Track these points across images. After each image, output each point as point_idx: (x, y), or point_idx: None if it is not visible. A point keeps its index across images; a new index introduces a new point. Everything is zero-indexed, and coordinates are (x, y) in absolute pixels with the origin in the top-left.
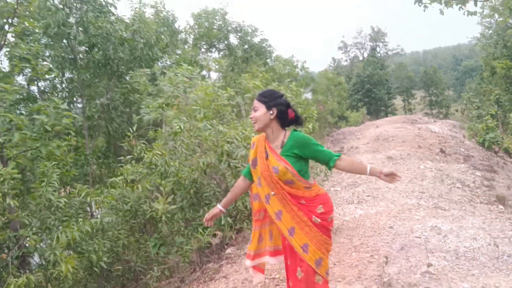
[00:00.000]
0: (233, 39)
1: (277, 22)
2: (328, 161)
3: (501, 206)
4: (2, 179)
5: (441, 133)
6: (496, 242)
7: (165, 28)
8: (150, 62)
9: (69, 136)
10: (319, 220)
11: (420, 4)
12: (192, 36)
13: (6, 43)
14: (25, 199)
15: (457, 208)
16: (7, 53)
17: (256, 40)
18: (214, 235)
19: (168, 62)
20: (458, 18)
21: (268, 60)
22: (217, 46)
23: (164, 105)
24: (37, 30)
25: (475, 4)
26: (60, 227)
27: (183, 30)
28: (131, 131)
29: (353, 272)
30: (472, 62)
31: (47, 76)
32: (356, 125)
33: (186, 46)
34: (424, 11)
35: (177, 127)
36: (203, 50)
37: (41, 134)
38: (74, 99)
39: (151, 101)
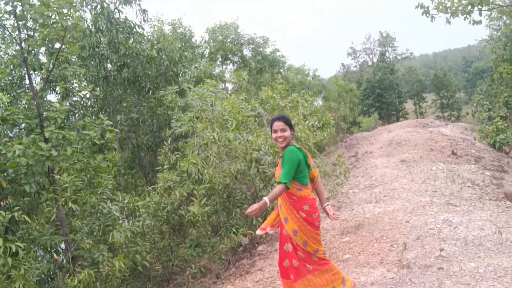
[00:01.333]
0: (246, 51)
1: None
2: (279, 177)
3: (508, 202)
4: (66, 186)
5: (452, 136)
6: (500, 231)
7: (184, 44)
8: (175, 78)
9: (111, 150)
10: (304, 215)
11: (427, 15)
12: (207, 50)
13: (54, 67)
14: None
15: (467, 204)
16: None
17: (268, 51)
18: (245, 235)
19: (188, 77)
20: (467, 20)
21: (281, 70)
22: (231, 58)
23: (194, 118)
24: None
25: (480, 14)
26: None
27: (199, 45)
28: (166, 144)
29: (376, 259)
30: (482, 64)
31: (80, 94)
32: (369, 130)
33: (203, 60)
34: (432, 21)
35: (211, 137)
36: (218, 63)
37: (89, 148)
38: (103, 114)
39: (181, 115)
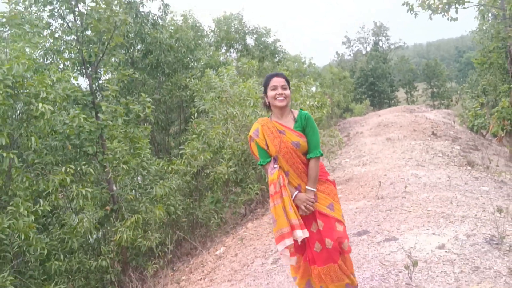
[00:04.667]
0: (250, 40)
1: (282, 16)
2: (312, 150)
3: (469, 167)
4: (116, 150)
5: (435, 120)
6: (450, 179)
7: (194, 33)
8: (190, 64)
9: (146, 123)
10: (331, 178)
11: (411, 12)
12: (213, 39)
13: (104, 54)
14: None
15: (434, 167)
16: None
17: (269, 40)
18: (257, 193)
19: (201, 63)
20: (461, 10)
21: (281, 59)
22: (235, 47)
23: (216, 98)
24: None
25: (456, 12)
26: (148, 187)
27: (207, 34)
28: (193, 117)
29: (359, 196)
30: (474, 54)
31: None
32: (361, 115)
33: (211, 48)
34: (415, 17)
35: (234, 112)
36: (223, 51)
37: (133, 120)
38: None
39: (204, 95)
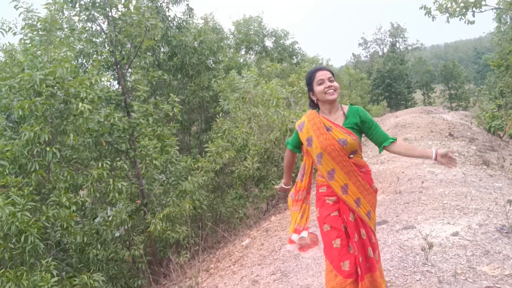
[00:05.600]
0: (268, 43)
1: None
2: (382, 142)
3: (484, 166)
4: (148, 147)
5: (452, 121)
6: (466, 176)
7: (215, 35)
8: (213, 65)
9: (176, 122)
10: (375, 186)
11: (429, 15)
12: (233, 41)
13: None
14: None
15: None
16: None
17: (287, 43)
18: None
19: (222, 65)
20: (478, 13)
21: (299, 60)
22: (254, 49)
23: (240, 98)
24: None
25: (473, 15)
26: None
27: (227, 36)
28: (218, 116)
29: (379, 191)
30: (492, 55)
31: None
32: (378, 116)
33: (231, 50)
34: (433, 21)
35: (257, 112)
36: (242, 52)
37: (162, 119)
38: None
39: (229, 95)
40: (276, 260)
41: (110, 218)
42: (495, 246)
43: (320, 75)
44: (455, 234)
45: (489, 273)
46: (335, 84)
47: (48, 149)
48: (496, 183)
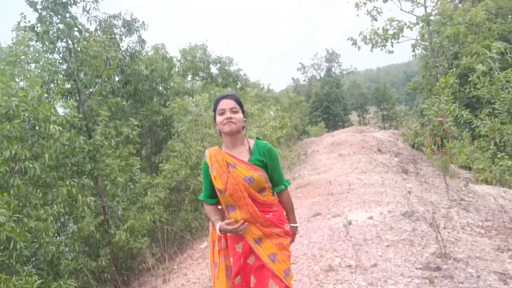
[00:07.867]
0: (213, 69)
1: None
2: (278, 183)
3: (404, 174)
4: (112, 166)
5: (381, 138)
6: (384, 180)
7: (166, 63)
8: (164, 91)
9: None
10: (289, 226)
11: (355, 46)
12: (180, 68)
13: (97, 85)
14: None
15: (374, 173)
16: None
17: (232, 69)
18: None
19: (172, 91)
20: (383, 50)
21: (243, 85)
22: (200, 75)
23: (193, 120)
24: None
25: (392, 46)
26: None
27: (174, 64)
28: (173, 137)
29: (315, 194)
30: (420, 78)
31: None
32: (316, 136)
33: (178, 77)
34: (358, 50)
35: (210, 132)
36: (189, 79)
37: (123, 141)
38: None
39: (183, 118)
40: None
41: (77, 231)
42: (398, 224)
43: (222, 104)
44: (370, 218)
45: (390, 238)
46: (237, 116)
47: (31, 165)
48: (407, 184)
